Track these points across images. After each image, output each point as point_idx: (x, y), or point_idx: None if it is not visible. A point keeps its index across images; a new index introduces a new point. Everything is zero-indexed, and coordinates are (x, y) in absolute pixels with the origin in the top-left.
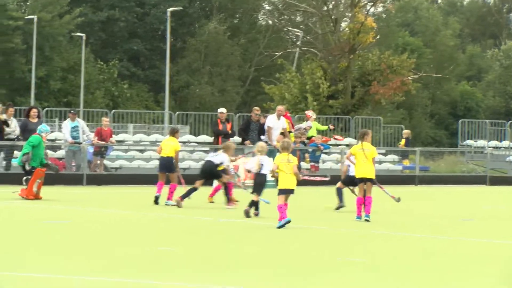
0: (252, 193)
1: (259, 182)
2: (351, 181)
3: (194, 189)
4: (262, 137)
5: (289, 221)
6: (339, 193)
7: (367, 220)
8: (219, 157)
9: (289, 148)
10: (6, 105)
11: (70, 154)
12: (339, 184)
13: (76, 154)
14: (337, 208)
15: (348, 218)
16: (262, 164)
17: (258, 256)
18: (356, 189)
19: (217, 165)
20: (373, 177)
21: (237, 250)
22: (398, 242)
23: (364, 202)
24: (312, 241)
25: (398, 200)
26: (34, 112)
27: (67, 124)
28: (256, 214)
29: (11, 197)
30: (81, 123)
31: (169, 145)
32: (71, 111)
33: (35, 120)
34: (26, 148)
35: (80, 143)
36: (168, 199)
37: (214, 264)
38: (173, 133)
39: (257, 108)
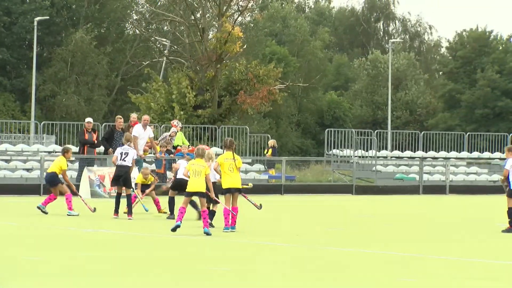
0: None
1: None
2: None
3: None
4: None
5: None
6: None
7: (233, 231)
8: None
9: (204, 155)
10: None
11: None
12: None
13: None
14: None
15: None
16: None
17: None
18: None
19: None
20: (240, 186)
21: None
22: (266, 252)
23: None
24: (182, 251)
25: (260, 207)
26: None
27: None
28: None
29: None
30: None
31: (54, 163)
32: None
33: None
34: None
35: None
36: (69, 209)
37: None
38: (63, 152)
39: (119, 116)
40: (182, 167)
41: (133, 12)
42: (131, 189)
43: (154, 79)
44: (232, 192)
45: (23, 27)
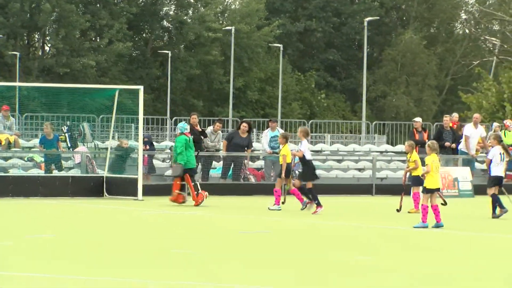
0: None
1: None
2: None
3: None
4: (459, 146)
5: (425, 227)
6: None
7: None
8: None
9: (437, 149)
10: (217, 119)
11: (269, 164)
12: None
13: (275, 164)
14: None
15: None
16: None
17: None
18: None
19: None
20: None
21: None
22: None
23: None
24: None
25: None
26: (244, 126)
27: (266, 134)
28: None
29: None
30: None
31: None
32: (271, 120)
33: (245, 135)
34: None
35: (277, 153)
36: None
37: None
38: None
39: (447, 115)
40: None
41: (462, 11)
42: None
43: (485, 79)
44: None
45: (353, 28)
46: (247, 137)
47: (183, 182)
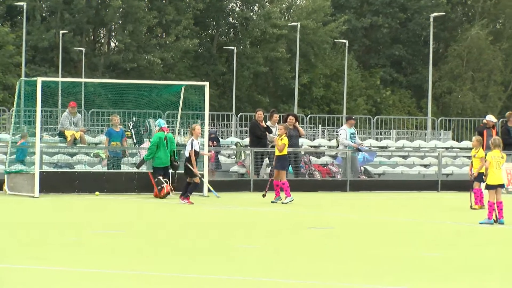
0: None
1: None
2: None
3: None
4: None
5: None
6: None
7: None
8: None
9: (501, 145)
10: (270, 111)
11: (349, 160)
12: None
13: (353, 160)
14: None
15: None
16: None
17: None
18: None
19: None
20: None
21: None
22: None
23: None
24: None
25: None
26: (291, 119)
27: (345, 130)
28: None
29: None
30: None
31: None
32: (352, 118)
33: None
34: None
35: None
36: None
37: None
38: None
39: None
40: None
41: None
42: None
43: None
44: None
45: (419, 23)
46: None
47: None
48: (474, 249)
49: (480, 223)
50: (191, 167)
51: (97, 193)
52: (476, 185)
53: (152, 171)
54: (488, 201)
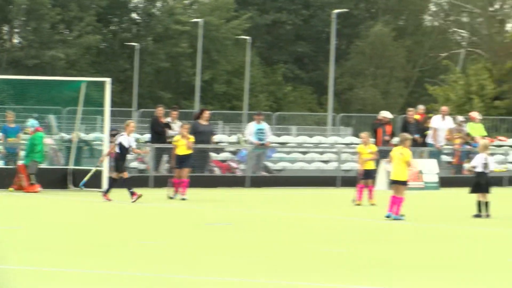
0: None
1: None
2: None
3: None
4: (427, 138)
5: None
6: None
7: None
8: None
9: (405, 142)
10: (171, 108)
11: (253, 156)
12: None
13: (260, 156)
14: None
15: None
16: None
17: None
18: None
19: None
20: None
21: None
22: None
23: None
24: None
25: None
26: (206, 113)
27: (252, 126)
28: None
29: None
30: (266, 126)
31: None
32: (257, 114)
33: (207, 122)
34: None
35: (263, 145)
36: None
37: (387, 267)
38: None
39: (410, 109)
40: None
41: (432, 3)
42: None
43: (452, 71)
44: None
45: (322, 20)
46: (209, 124)
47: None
48: (370, 245)
49: (385, 217)
50: (120, 162)
51: (10, 188)
52: (361, 182)
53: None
54: (391, 196)
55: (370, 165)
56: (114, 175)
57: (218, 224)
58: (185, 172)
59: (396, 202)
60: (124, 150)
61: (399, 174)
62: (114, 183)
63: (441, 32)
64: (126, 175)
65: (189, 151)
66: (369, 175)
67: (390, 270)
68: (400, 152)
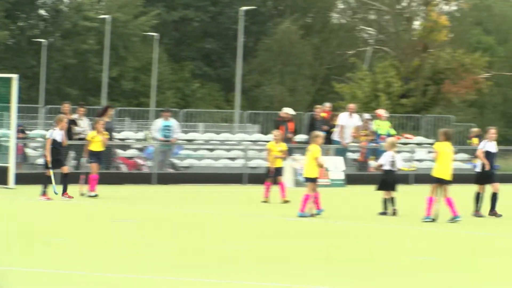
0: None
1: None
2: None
3: None
4: (333, 135)
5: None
6: None
7: (457, 221)
8: None
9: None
10: (78, 104)
11: (159, 153)
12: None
13: (166, 153)
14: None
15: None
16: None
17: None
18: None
19: None
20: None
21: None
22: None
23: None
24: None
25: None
26: (111, 111)
27: (158, 123)
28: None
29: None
30: (174, 122)
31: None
32: (164, 110)
33: (110, 119)
34: None
35: (169, 141)
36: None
37: (293, 263)
38: None
39: (318, 106)
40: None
41: (339, 1)
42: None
43: (359, 69)
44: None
45: (230, 17)
46: (112, 121)
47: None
48: (271, 241)
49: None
50: (56, 157)
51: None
52: (269, 179)
53: None
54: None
55: (279, 163)
56: (64, 169)
57: (124, 221)
58: (95, 168)
59: (307, 199)
60: (58, 145)
61: (308, 171)
62: (66, 178)
63: (349, 29)
64: (66, 169)
65: (103, 148)
66: (278, 172)
67: (288, 266)
68: (309, 149)
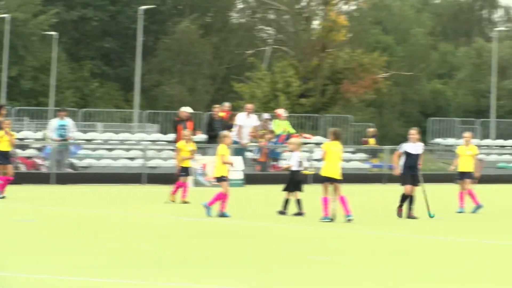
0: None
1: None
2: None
3: None
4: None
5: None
6: None
7: (350, 219)
8: None
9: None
10: None
11: (56, 152)
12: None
13: (63, 152)
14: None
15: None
16: (300, 161)
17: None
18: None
19: None
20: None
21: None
22: (371, 240)
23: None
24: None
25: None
26: (4, 111)
27: (54, 122)
28: (301, 214)
29: None
30: (70, 122)
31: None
32: (60, 110)
33: (2, 119)
34: None
35: (66, 140)
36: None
37: (192, 263)
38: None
39: (216, 105)
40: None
41: (239, 1)
42: None
43: (258, 68)
44: (332, 181)
45: (129, 16)
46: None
47: None
48: (176, 241)
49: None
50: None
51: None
52: (181, 179)
53: None
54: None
55: (187, 163)
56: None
57: (22, 220)
58: (10, 169)
59: (219, 198)
60: None
61: (218, 170)
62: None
63: (248, 29)
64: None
65: (11, 147)
66: (186, 172)
67: (186, 266)
68: (217, 149)
